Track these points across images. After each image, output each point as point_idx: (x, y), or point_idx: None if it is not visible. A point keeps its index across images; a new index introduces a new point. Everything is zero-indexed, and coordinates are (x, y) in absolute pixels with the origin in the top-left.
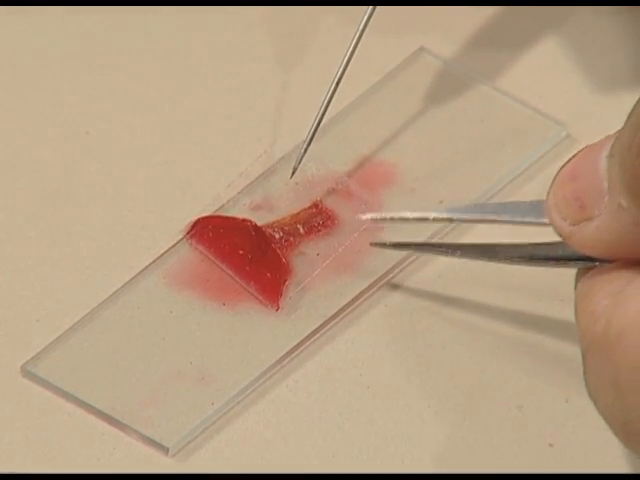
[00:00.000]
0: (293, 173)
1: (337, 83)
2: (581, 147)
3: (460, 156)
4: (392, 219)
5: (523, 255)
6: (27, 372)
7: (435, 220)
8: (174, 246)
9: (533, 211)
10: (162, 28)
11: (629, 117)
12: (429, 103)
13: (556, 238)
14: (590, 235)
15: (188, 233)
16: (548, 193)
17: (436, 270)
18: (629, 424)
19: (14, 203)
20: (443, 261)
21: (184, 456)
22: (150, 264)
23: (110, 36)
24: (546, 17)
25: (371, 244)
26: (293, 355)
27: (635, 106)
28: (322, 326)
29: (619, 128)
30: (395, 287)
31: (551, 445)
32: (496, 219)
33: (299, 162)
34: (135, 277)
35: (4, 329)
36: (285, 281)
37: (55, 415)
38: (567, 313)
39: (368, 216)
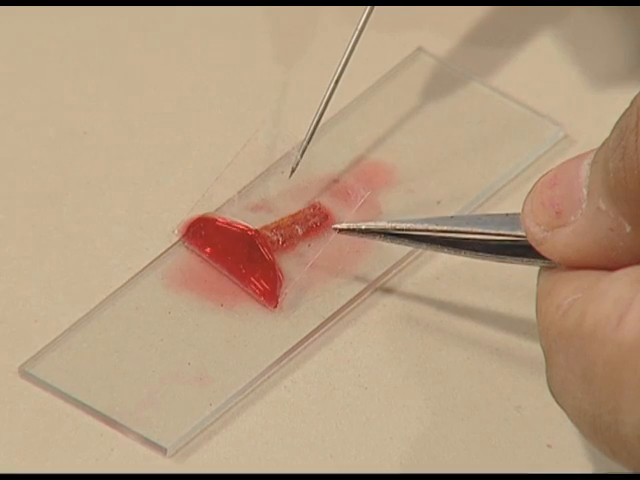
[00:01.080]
0: (292, 173)
1: (335, 83)
2: (578, 148)
3: (458, 157)
4: (362, 230)
5: (489, 249)
6: (25, 373)
7: (408, 231)
8: (172, 247)
9: (508, 223)
10: (160, 28)
11: (617, 123)
12: (427, 104)
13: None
14: (562, 241)
15: (183, 235)
16: (525, 200)
17: (434, 271)
18: (598, 419)
19: (12, 203)
20: (441, 262)
21: (182, 457)
22: (148, 265)
23: (108, 36)
24: (544, 17)
25: (334, 228)
26: (291, 356)
27: (624, 112)
28: (320, 327)
29: None
30: (393, 288)
31: (549, 446)
32: (470, 231)
33: (297, 163)
34: (133, 278)
35: (2, 330)
36: (280, 286)
37: (53, 416)
38: None
39: (340, 226)
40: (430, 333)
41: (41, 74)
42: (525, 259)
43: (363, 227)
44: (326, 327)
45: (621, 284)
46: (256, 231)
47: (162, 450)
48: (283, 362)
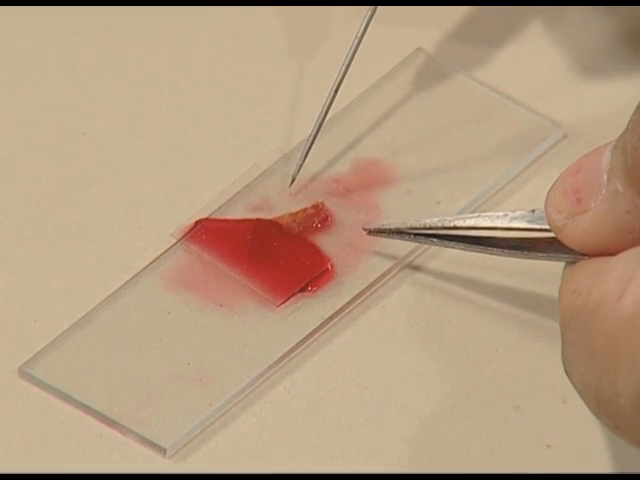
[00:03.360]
0: (292, 182)
1: (336, 90)
2: (578, 148)
3: (457, 157)
4: (391, 230)
5: (515, 247)
6: (25, 373)
7: (436, 229)
8: (171, 247)
9: (529, 217)
10: (159, 28)
11: (637, 107)
12: (427, 104)
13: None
14: (582, 227)
15: (185, 235)
16: (550, 189)
17: (434, 271)
18: (600, 392)
19: (11, 204)
20: (441, 262)
21: (182, 457)
22: (148, 265)
23: (108, 36)
24: (543, 17)
25: (364, 229)
26: (291, 356)
27: None
28: (320, 327)
29: (616, 129)
30: (392, 288)
31: (549, 446)
32: (496, 227)
33: (298, 171)
34: (133, 278)
35: (1, 330)
36: (329, 264)
37: (53, 416)
38: None
39: (370, 227)
40: (430, 333)
41: (41, 74)
42: (551, 254)
43: (392, 227)
44: (326, 327)
45: (625, 261)
46: (258, 219)
47: (161, 450)
48: (283, 362)
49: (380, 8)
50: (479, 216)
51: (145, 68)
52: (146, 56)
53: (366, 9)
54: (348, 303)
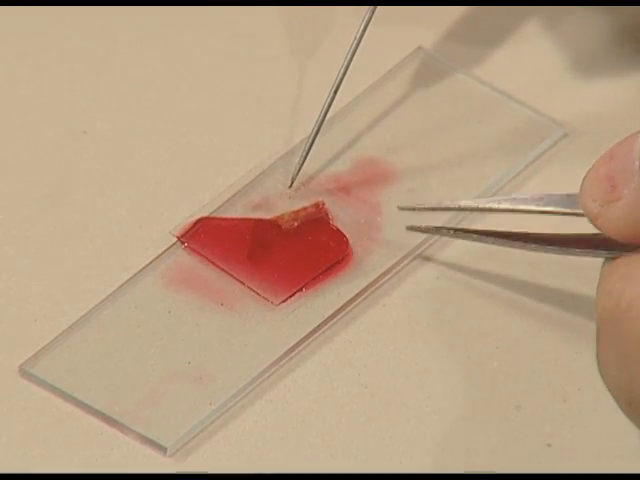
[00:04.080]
0: (292, 182)
1: (335, 90)
2: (578, 147)
3: (458, 156)
4: (431, 208)
5: (554, 242)
6: (25, 372)
7: (472, 210)
8: (172, 246)
9: (569, 202)
10: (159, 28)
11: None
12: (427, 103)
13: (584, 230)
14: (616, 215)
15: (185, 234)
16: (584, 177)
17: (434, 271)
18: (633, 394)
19: (12, 203)
20: (441, 262)
21: (182, 456)
22: (148, 264)
23: (108, 36)
24: (544, 17)
25: (407, 228)
26: (291, 355)
27: None
28: (320, 326)
29: (617, 128)
30: (393, 287)
31: (549, 445)
32: (525, 209)
33: (298, 171)
34: (133, 277)
35: (2, 329)
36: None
37: (53, 415)
38: (566, 314)
39: (406, 207)
40: (430, 333)
41: (41, 74)
42: (588, 250)
43: (427, 206)
44: (326, 326)
45: None
46: (257, 219)
47: (162, 449)
48: (283, 361)
49: (380, 8)
50: (514, 199)
51: (145, 68)
52: (146, 56)
53: (365, 9)
54: (349, 302)
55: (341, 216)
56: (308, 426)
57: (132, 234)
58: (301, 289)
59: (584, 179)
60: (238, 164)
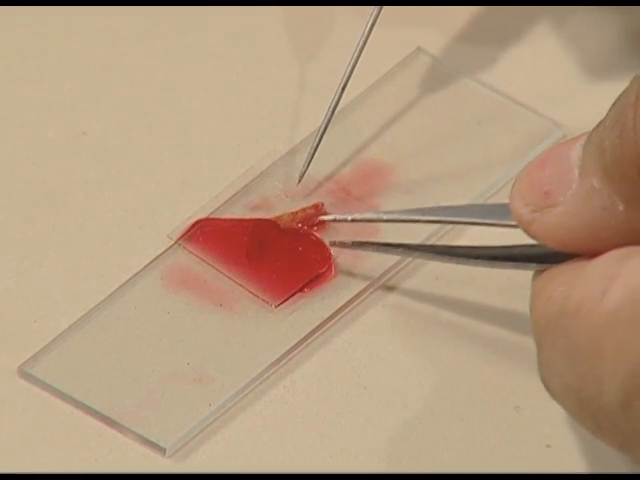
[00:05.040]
0: (300, 179)
1: (342, 89)
2: None
3: (457, 157)
4: (351, 220)
5: (481, 256)
6: (24, 373)
7: (395, 221)
8: (171, 247)
9: (497, 212)
10: (159, 28)
11: (614, 102)
12: (427, 103)
13: (514, 241)
14: (552, 221)
15: (184, 235)
16: (514, 182)
17: (433, 271)
18: (583, 392)
19: (11, 204)
20: (441, 263)
21: (181, 457)
22: (147, 265)
23: (108, 36)
24: (544, 17)
25: (330, 243)
26: (290, 356)
27: (623, 91)
28: (319, 327)
29: None
30: (392, 288)
31: (548, 446)
32: (457, 221)
33: (305, 170)
34: (132, 278)
35: (1, 330)
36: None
37: (52, 416)
38: None
39: (328, 217)
40: (430, 333)
41: (41, 74)
42: (517, 264)
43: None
44: (325, 327)
45: (607, 261)
46: (256, 219)
47: (161, 450)
48: (282, 362)
49: (376, 8)
50: (439, 208)
51: (145, 68)
52: (146, 56)
53: (368, 9)
54: (348, 303)
55: (342, 216)
56: (307, 427)
57: (131, 235)
58: (300, 290)
59: (514, 185)
60: (237, 164)
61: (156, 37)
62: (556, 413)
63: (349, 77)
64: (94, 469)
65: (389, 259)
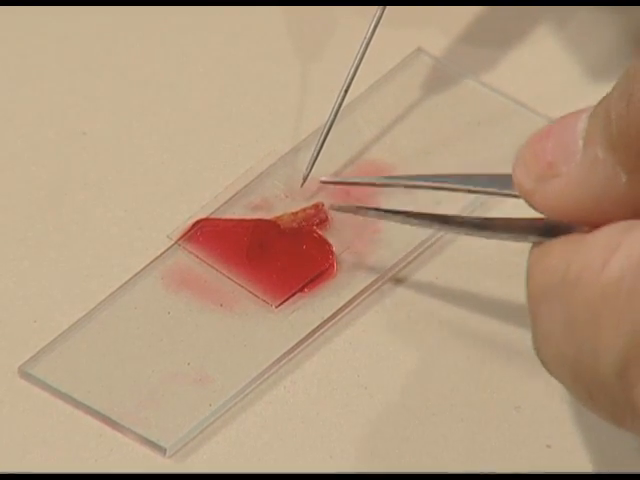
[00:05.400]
0: (304, 182)
1: (346, 91)
2: None
3: (457, 157)
4: (349, 183)
5: (479, 225)
6: (24, 373)
7: (397, 186)
8: (171, 247)
9: (501, 182)
10: (159, 28)
11: (622, 75)
12: (427, 104)
13: (516, 214)
14: (555, 192)
15: (184, 235)
16: (518, 151)
17: (434, 271)
18: (579, 363)
19: (11, 204)
20: (441, 262)
21: (182, 457)
22: (148, 265)
23: (108, 36)
24: (543, 17)
25: (329, 207)
26: (291, 356)
27: (631, 64)
28: (320, 327)
29: None
30: (393, 288)
31: (549, 446)
32: (460, 188)
33: (309, 170)
34: (133, 278)
35: (1, 330)
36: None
37: (52, 416)
38: None
39: (329, 180)
40: (430, 333)
41: (41, 74)
42: (515, 235)
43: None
44: (325, 327)
45: (608, 233)
46: (256, 220)
47: (161, 450)
48: (282, 362)
49: (379, 8)
50: (441, 177)
51: (145, 68)
52: (146, 56)
53: (368, 9)
54: (348, 303)
55: (340, 217)
56: (307, 427)
57: (132, 235)
58: (300, 290)
59: (517, 154)
60: (238, 164)
61: (156, 37)
62: (556, 413)
63: (352, 79)
64: (94, 469)
65: (389, 259)
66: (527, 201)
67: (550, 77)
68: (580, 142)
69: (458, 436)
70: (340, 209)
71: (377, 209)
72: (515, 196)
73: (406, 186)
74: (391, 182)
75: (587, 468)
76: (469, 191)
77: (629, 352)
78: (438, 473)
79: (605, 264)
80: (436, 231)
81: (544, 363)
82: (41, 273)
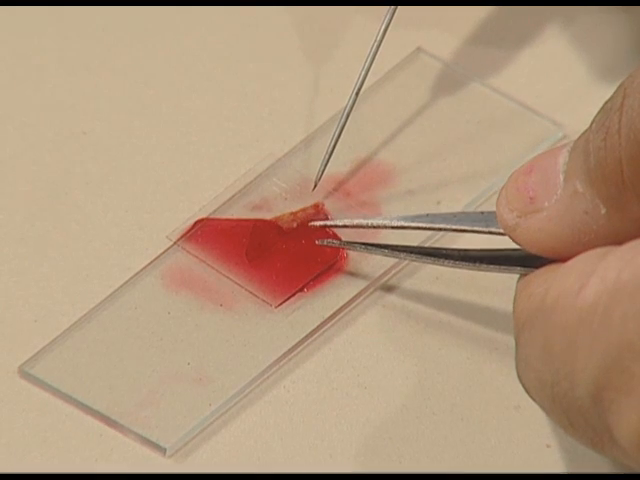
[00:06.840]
0: (315, 187)
1: (357, 94)
2: None
3: (458, 157)
4: (342, 225)
5: (466, 258)
6: (25, 373)
7: (384, 227)
8: (171, 247)
9: (485, 220)
10: (159, 28)
11: (601, 107)
12: (426, 104)
13: (501, 245)
14: (535, 227)
15: (184, 235)
16: (501, 188)
17: (434, 271)
18: (556, 386)
19: (11, 203)
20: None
21: (182, 457)
22: (148, 265)
23: (108, 36)
24: (544, 17)
25: (317, 242)
26: (291, 356)
27: (610, 97)
28: (319, 327)
29: None
30: (392, 288)
31: (548, 446)
32: (446, 228)
33: (321, 174)
34: (133, 278)
35: (1, 330)
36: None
37: (53, 416)
38: None
39: (318, 223)
40: (430, 333)
41: (41, 74)
42: (503, 267)
43: (339, 224)
44: (325, 327)
45: (585, 259)
46: (256, 220)
47: (161, 450)
48: (282, 362)
49: (380, 8)
50: (428, 215)
51: (145, 68)
52: (146, 56)
53: (371, 9)
54: (348, 303)
55: (340, 217)
56: (307, 427)
57: (132, 235)
58: (300, 290)
59: (501, 190)
60: (238, 165)
61: (156, 37)
62: None
63: (363, 81)
64: (94, 469)
65: (389, 259)
66: (510, 237)
67: (550, 77)
68: (561, 176)
69: (458, 436)
70: (328, 244)
71: (364, 243)
72: (500, 234)
73: (394, 227)
74: (379, 223)
75: (586, 468)
76: (458, 231)
77: (603, 376)
78: (438, 473)
79: (581, 289)
80: (422, 263)
81: (525, 389)
82: (41, 272)
